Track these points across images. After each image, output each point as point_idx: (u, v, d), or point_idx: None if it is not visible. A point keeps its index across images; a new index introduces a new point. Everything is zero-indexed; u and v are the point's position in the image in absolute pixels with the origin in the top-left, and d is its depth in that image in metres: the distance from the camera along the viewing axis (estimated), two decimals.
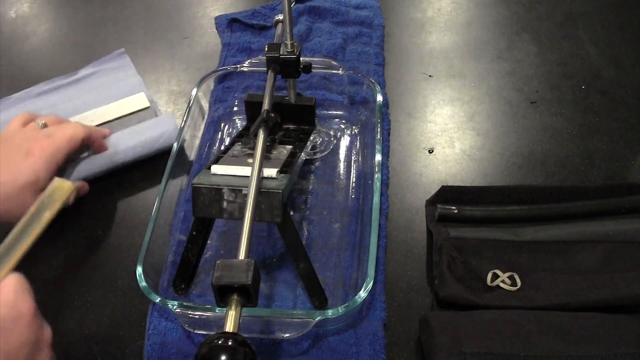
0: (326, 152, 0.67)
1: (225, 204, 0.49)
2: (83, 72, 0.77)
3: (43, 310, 0.54)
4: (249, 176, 0.48)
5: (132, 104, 0.69)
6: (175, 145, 0.61)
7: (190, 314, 0.49)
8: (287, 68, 0.58)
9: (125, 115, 0.68)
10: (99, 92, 0.73)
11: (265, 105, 0.54)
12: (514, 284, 0.52)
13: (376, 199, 0.55)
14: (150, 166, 0.66)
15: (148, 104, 0.69)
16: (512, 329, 0.47)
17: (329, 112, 0.71)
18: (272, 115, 0.53)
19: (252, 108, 0.64)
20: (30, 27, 0.86)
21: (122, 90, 0.73)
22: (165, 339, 0.51)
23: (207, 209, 0.49)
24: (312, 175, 0.64)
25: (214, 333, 0.38)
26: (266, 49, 0.58)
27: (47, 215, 0.51)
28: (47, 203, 0.51)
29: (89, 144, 0.61)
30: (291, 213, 0.60)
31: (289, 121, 0.65)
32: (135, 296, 0.55)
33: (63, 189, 0.53)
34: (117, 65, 0.78)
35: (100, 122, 0.68)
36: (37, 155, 0.54)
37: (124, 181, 0.65)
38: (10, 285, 0.43)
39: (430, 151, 0.67)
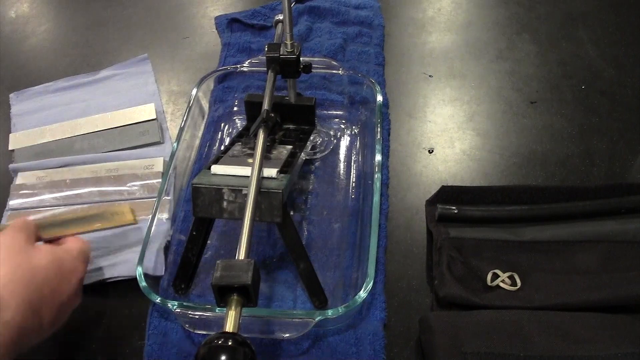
0: (326, 152, 0.67)
1: (225, 204, 0.49)
2: (104, 73, 0.77)
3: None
4: (249, 176, 0.48)
5: (140, 113, 0.69)
6: (175, 145, 0.61)
7: (190, 314, 0.49)
8: (287, 68, 0.58)
9: (130, 124, 0.68)
10: (114, 96, 0.73)
11: (265, 105, 0.54)
12: (513, 284, 0.52)
13: (376, 199, 0.55)
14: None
15: (154, 116, 0.69)
16: (512, 329, 0.47)
17: (329, 112, 0.71)
18: (272, 115, 0.53)
19: (252, 108, 0.64)
20: (30, 27, 0.86)
21: (136, 98, 0.73)
22: (165, 339, 0.51)
23: (207, 209, 0.49)
24: (312, 175, 0.64)
25: (214, 333, 0.38)
26: (266, 49, 0.58)
27: (97, 225, 0.53)
28: (104, 217, 0.53)
29: None
30: (291, 213, 0.60)
31: (289, 121, 0.65)
32: (135, 296, 0.55)
33: (124, 217, 0.54)
34: (138, 70, 0.77)
35: (105, 127, 0.68)
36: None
37: None
38: (75, 245, 0.49)
39: (430, 151, 0.67)
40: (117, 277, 0.55)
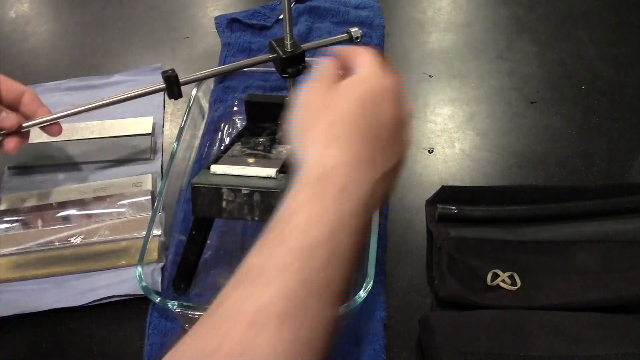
0: None
1: (224, 203, 0.49)
2: (117, 78, 0.76)
3: (42, 310, 0.54)
4: (248, 176, 0.48)
5: (137, 126, 0.68)
6: (175, 145, 0.61)
7: (190, 314, 0.49)
8: (288, 67, 0.58)
9: (123, 136, 0.67)
10: (120, 104, 0.72)
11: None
12: (514, 283, 0.52)
13: None
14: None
15: (149, 131, 0.67)
16: (512, 329, 0.47)
17: None
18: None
19: (252, 108, 0.64)
20: (30, 27, 0.86)
21: (140, 107, 0.71)
22: (165, 339, 0.51)
23: (207, 209, 0.49)
24: None
25: None
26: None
27: (122, 263, 0.57)
28: (130, 254, 0.56)
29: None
30: None
31: None
32: (135, 296, 0.55)
33: (150, 255, 0.54)
34: (149, 79, 0.75)
35: (100, 135, 0.67)
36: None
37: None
38: (373, 61, 0.40)
39: (430, 151, 0.67)
40: (120, 295, 0.55)
